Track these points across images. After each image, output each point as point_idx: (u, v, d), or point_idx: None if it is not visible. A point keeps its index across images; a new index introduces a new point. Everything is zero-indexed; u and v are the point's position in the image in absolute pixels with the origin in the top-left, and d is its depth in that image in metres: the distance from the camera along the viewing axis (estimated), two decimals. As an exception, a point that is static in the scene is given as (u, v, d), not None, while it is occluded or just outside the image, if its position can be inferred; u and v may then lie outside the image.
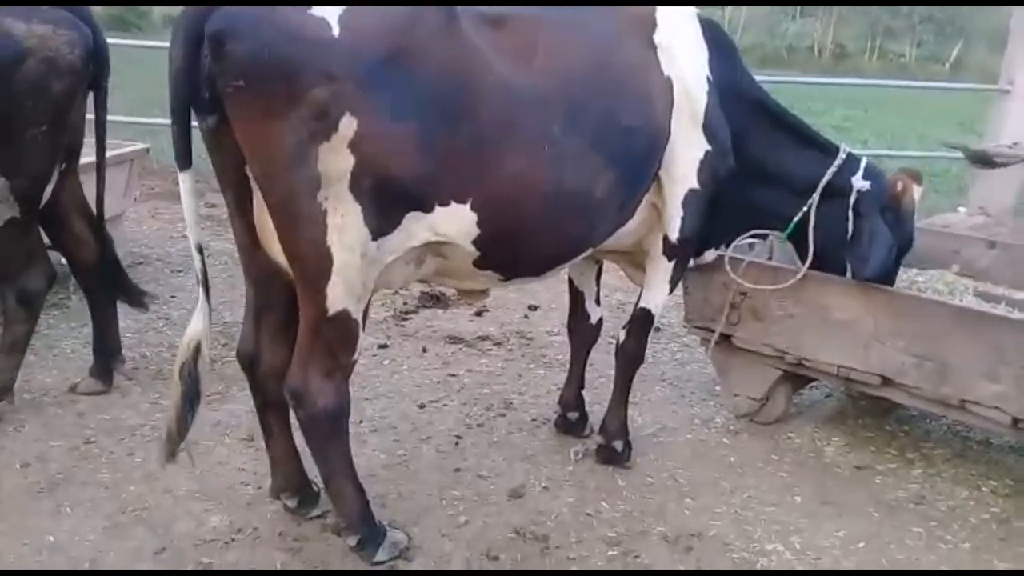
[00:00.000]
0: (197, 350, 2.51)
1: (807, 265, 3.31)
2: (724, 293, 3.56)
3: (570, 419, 3.62)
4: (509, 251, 2.72)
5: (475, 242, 2.60)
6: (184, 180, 2.38)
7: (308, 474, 2.97)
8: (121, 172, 5.16)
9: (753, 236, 3.47)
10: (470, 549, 2.87)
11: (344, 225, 2.33)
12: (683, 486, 3.31)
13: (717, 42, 3.12)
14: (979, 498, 3.30)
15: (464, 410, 3.84)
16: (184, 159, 2.36)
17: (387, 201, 2.38)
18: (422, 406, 3.85)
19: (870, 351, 3.26)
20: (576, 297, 3.54)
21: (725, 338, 3.66)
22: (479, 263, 2.71)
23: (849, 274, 3.34)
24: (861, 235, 3.27)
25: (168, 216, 6.66)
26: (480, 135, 2.46)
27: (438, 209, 2.49)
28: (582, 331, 3.58)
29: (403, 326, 4.82)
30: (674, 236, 3.11)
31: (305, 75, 2.18)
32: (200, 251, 2.45)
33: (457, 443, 3.55)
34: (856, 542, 3.00)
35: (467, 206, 2.52)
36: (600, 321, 3.59)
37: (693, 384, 4.24)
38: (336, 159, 2.26)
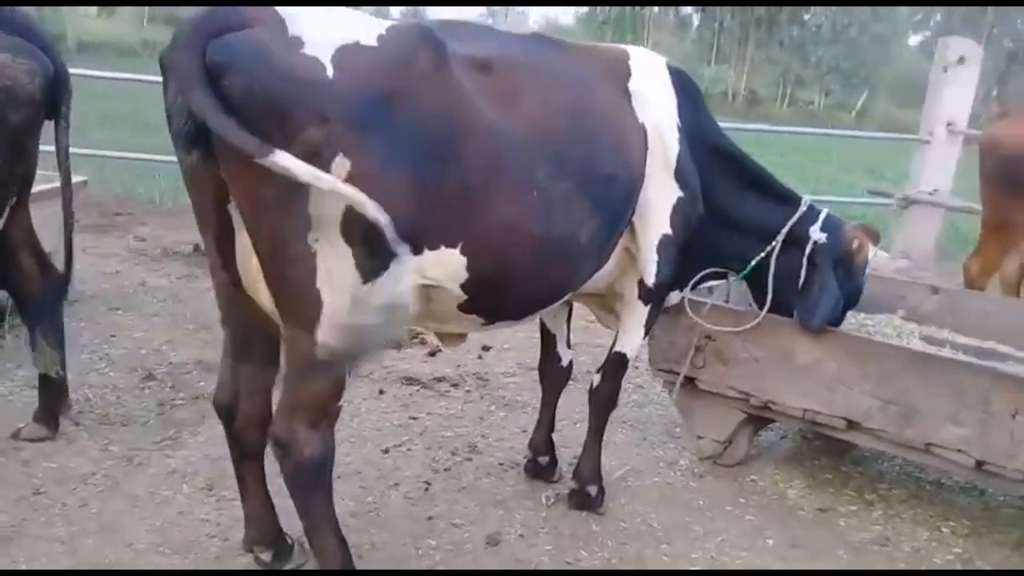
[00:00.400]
0: None
1: (765, 309, 3.38)
2: (689, 336, 3.60)
3: (540, 463, 3.59)
4: (495, 295, 2.70)
5: (463, 286, 2.57)
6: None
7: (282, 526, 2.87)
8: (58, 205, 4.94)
9: (713, 276, 3.54)
10: (451, 601, 2.81)
11: (335, 268, 2.28)
12: (657, 531, 3.31)
13: (684, 89, 3.18)
14: (940, 539, 3.40)
15: (429, 454, 3.78)
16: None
17: (377, 244, 2.33)
18: (386, 451, 3.76)
19: (835, 394, 3.34)
20: (547, 339, 3.54)
21: (689, 381, 3.70)
22: (464, 307, 2.68)
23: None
24: (811, 286, 3.34)
25: (100, 251, 6.43)
26: (470, 179, 2.44)
27: (427, 252, 2.46)
28: (553, 373, 3.57)
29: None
30: (650, 281, 3.14)
31: (299, 115, 2.12)
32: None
33: (427, 489, 3.48)
34: (831, 586, 3.05)
35: (456, 250, 2.49)
36: (571, 364, 3.59)
37: (654, 426, 4.26)
38: (328, 201, 2.19)
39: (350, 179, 2.18)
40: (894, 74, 35.67)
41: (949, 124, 7.80)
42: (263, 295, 2.40)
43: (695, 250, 3.25)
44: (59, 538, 2.95)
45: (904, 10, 37.79)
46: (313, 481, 2.50)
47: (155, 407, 4.02)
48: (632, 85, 3.00)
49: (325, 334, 2.33)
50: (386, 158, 2.25)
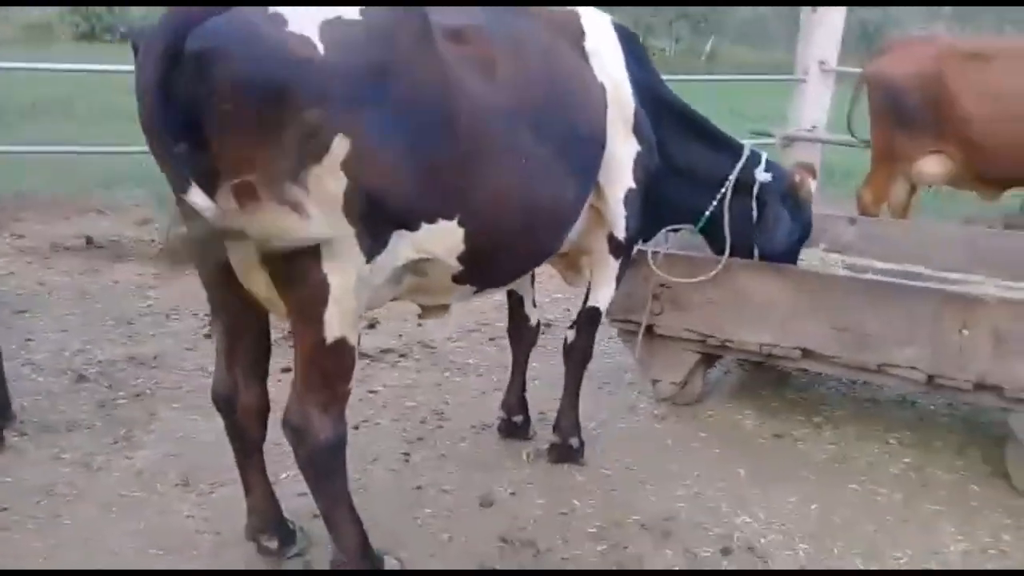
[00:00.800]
0: None
1: (727, 254, 3.52)
2: (646, 286, 3.71)
3: (515, 422, 3.64)
4: (489, 263, 2.72)
5: (459, 257, 2.57)
6: (196, 199, 2.06)
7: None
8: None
9: (669, 231, 3.65)
10: (463, 563, 2.84)
11: (339, 249, 2.23)
12: (638, 474, 3.43)
13: (630, 45, 3.23)
14: (890, 451, 3.67)
15: (399, 426, 3.76)
16: (184, 180, 2.08)
17: (377, 221, 2.30)
18: (355, 427, 3.70)
19: (790, 327, 3.53)
20: (515, 301, 3.56)
21: (646, 328, 3.81)
22: (458, 278, 2.68)
23: (757, 256, 3.60)
24: (766, 221, 3.52)
25: (-16, 253, 5.99)
26: (464, 149, 2.43)
27: (424, 226, 2.44)
28: (522, 334, 3.62)
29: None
30: (620, 235, 3.22)
31: (297, 96, 2.04)
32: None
33: (407, 460, 3.47)
34: (808, 504, 3.24)
35: (454, 222, 2.49)
36: (539, 323, 3.65)
37: (603, 374, 4.36)
38: (328, 181, 2.14)
39: (350, 159, 2.14)
40: (737, 19, 37.00)
41: (821, 63, 8.14)
42: (259, 283, 2.33)
43: (654, 204, 3.33)
44: (40, 553, 2.80)
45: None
46: (329, 465, 2.47)
47: (96, 409, 3.83)
48: (588, 44, 3.04)
49: (333, 317, 2.29)
50: (383, 134, 2.21)
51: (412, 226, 2.41)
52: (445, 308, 3.03)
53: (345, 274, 2.26)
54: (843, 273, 3.76)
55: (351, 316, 2.34)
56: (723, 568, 2.89)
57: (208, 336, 4.69)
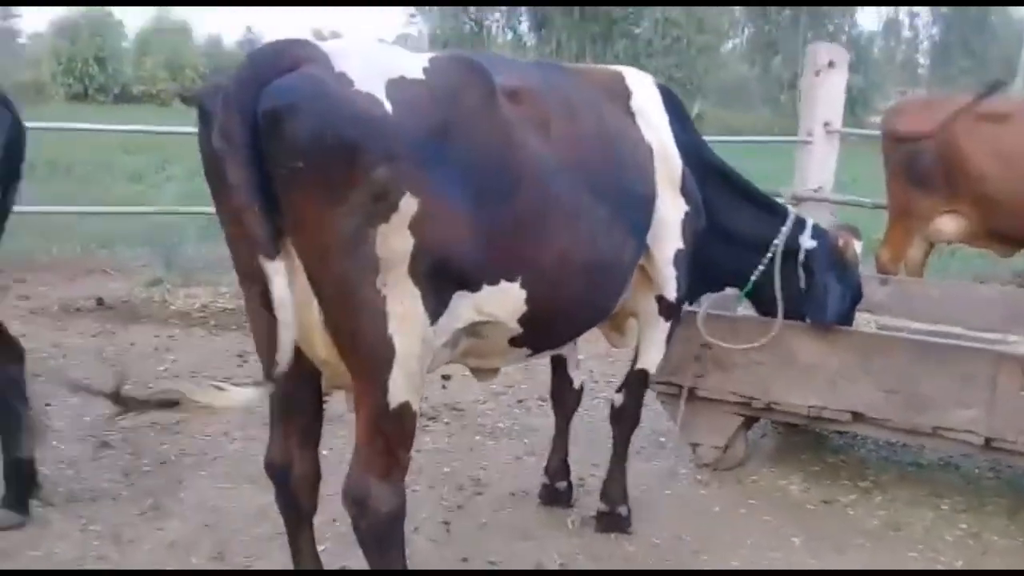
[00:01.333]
0: None
1: (780, 318, 3.46)
2: (687, 347, 3.64)
3: (558, 488, 3.54)
4: (549, 326, 2.68)
5: (520, 320, 2.53)
6: (279, 271, 2.04)
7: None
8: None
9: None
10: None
11: (405, 312, 2.17)
12: (690, 544, 3.32)
13: (673, 107, 3.22)
14: (944, 516, 3.57)
15: (436, 493, 3.64)
16: (272, 243, 2.04)
17: (441, 282, 2.25)
18: (391, 494, 3.60)
19: (838, 389, 3.46)
20: (559, 363, 3.50)
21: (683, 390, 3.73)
22: (516, 340, 2.63)
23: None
24: (815, 289, 3.46)
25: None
26: (526, 209, 2.41)
27: (485, 288, 2.39)
28: (566, 397, 3.54)
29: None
30: (671, 296, 3.16)
31: (367, 155, 2.02)
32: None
33: (448, 530, 3.35)
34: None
35: (516, 284, 2.45)
36: (582, 386, 3.57)
37: (638, 439, 4.23)
38: (396, 241, 2.10)
39: (417, 219, 2.11)
40: (718, 81, 37.75)
41: (826, 124, 8.24)
42: (320, 346, 2.26)
43: (700, 267, 3.27)
44: (77, 635, 2.66)
45: (724, 22, 39.98)
46: (390, 537, 2.38)
47: (121, 477, 3.71)
48: (634, 104, 3.03)
49: (397, 381, 2.22)
50: (449, 194, 2.18)
51: (475, 287, 2.36)
52: (496, 371, 2.97)
53: (410, 336, 2.20)
54: (896, 334, 3.70)
55: (415, 380, 2.28)
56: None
57: (229, 400, 4.58)
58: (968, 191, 5.45)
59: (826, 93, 8.34)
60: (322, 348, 2.25)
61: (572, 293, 2.65)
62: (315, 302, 2.16)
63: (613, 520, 3.35)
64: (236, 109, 1.99)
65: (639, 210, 2.91)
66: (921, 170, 5.60)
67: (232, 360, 5.25)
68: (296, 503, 2.54)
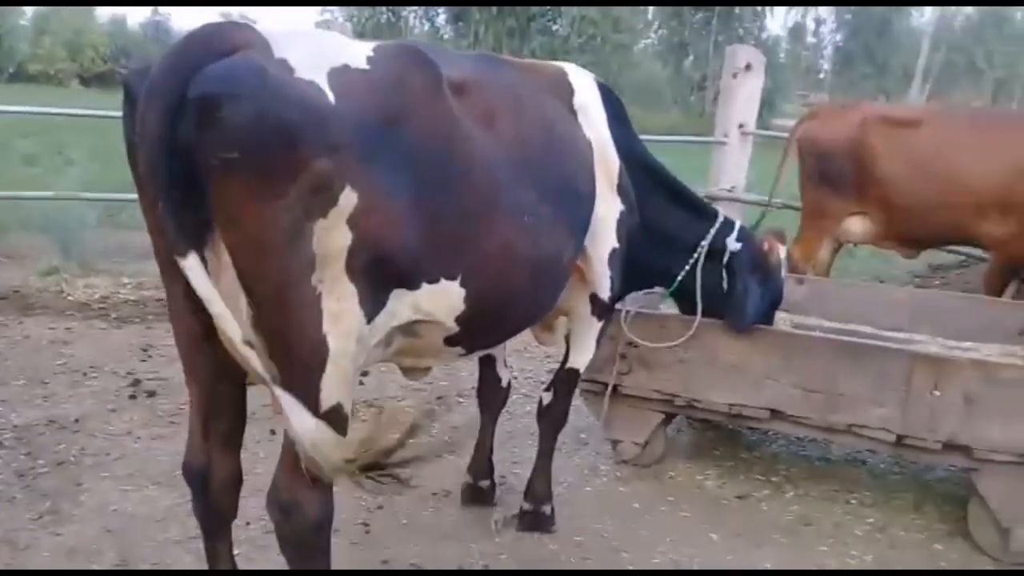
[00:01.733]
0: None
1: (698, 318, 3.48)
2: (612, 345, 3.64)
3: (481, 487, 3.49)
4: (485, 325, 2.59)
5: (458, 319, 2.44)
6: (192, 266, 1.91)
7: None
8: None
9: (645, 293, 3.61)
10: (443, 646, 2.66)
11: (341, 310, 2.07)
12: (611, 541, 3.32)
13: (611, 105, 3.18)
14: (853, 511, 3.66)
15: (354, 492, 3.53)
16: (185, 239, 1.91)
17: (378, 280, 2.15)
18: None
19: (760, 388, 3.50)
20: (486, 361, 3.43)
21: (607, 387, 3.73)
22: (451, 340, 2.54)
23: None
24: (735, 291, 3.47)
25: None
26: (469, 206, 2.32)
27: (424, 286, 2.30)
28: (492, 395, 3.48)
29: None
30: (605, 295, 3.13)
31: (307, 146, 1.90)
32: (251, 345, 2.01)
33: (367, 531, 3.27)
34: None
35: (456, 282, 2.36)
36: (509, 384, 3.52)
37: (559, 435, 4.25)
38: (333, 237, 1.99)
39: (357, 213, 2.01)
40: (633, 79, 38.31)
41: (741, 126, 8.40)
42: (245, 345, 2.13)
43: (630, 266, 3.24)
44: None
45: (639, 21, 40.61)
46: (316, 544, 2.28)
47: (15, 479, 3.50)
48: (576, 102, 2.97)
49: (329, 383, 2.12)
50: (390, 188, 2.08)
51: (413, 285, 2.27)
52: (427, 370, 2.88)
53: (345, 336, 2.10)
54: (816, 334, 3.76)
55: (348, 381, 2.18)
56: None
57: (133, 397, 4.38)
58: (877, 194, 5.63)
59: (743, 95, 8.49)
60: (244, 347, 2.12)
61: (512, 292, 2.58)
62: (242, 298, 2.04)
63: (537, 519, 3.32)
64: (159, 94, 1.85)
65: (580, 208, 2.86)
66: (833, 173, 5.78)
67: (135, 354, 5.03)
68: (215, 508, 2.40)
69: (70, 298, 5.97)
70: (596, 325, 3.20)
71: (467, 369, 4.74)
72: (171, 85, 1.86)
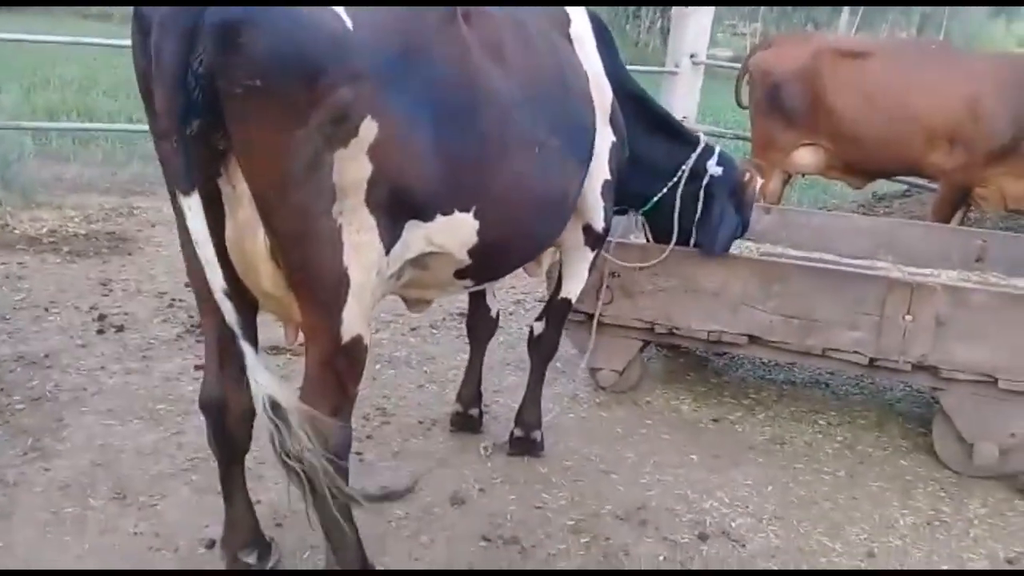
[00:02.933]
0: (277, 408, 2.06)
1: (673, 242, 3.55)
2: (596, 275, 3.68)
3: (470, 415, 3.55)
4: (495, 257, 2.60)
5: (470, 251, 2.45)
6: (192, 206, 1.89)
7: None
8: None
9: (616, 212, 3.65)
10: (449, 565, 2.74)
11: (361, 242, 2.07)
12: (598, 464, 3.42)
13: (602, 35, 3.18)
14: (822, 431, 3.85)
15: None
16: (189, 179, 1.87)
17: (395, 212, 2.15)
18: (295, 427, 3.50)
19: (738, 314, 3.61)
20: (476, 293, 3.45)
21: (589, 317, 3.80)
22: (461, 272, 2.56)
23: (692, 245, 3.66)
24: (711, 215, 3.55)
25: None
26: (484, 136, 2.32)
27: (439, 218, 2.30)
28: (482, 325, 3.52)
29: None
30: (599, 226, 3.16)
31: (330, 74, 1.87)
32: (229, 297, 1.99)
33: (361, 460, 3.30)
34: (764, 486, 3.34)
35: (470, 214, 2.36)
36: (498, 314, 3.55)
37: (534, 364, 4.33)
38: (354, 168, 1.98)
39: (377, 144, 1.99)
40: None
41: (692, 56, 8.42)
42: (265, 278, 2.12)
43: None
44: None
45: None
46: (337, 472, 2.29)
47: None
48: (573, 31, 2.95)
49: (351, 314, 2.13)
50: (409, 119, 2.07)
51: (428, 217, 2.27)
52: (430, 303, 2.90)
53: (365, 267, 2.11)
54: (793, 261, 3.87)
55: (368, 313, 2.20)
56: (702, 552, 2.93)
57: (101, 332, 4.29)
58: (829, 125, 5.75)
59: (693, 25, 8.49)
60: (267, 280, 2.11)
61: (522, 224, 2.60)
62: (260, 231, 2.02)
63: (527, 444, 3.40)
64: (175, 23, 1.79)
65: (584, 140, 2.87)
66: (785, 103, 5.87)
67: (96, 289, 4.89)
68: (231, 439, 2.41)
69: (16, 232, 5.76)
70: (589, 255, 3.24)
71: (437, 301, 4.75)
72: (186, 12, 1.79)
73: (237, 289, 2.13)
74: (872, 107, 5.63)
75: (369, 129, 1.96)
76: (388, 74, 2.00)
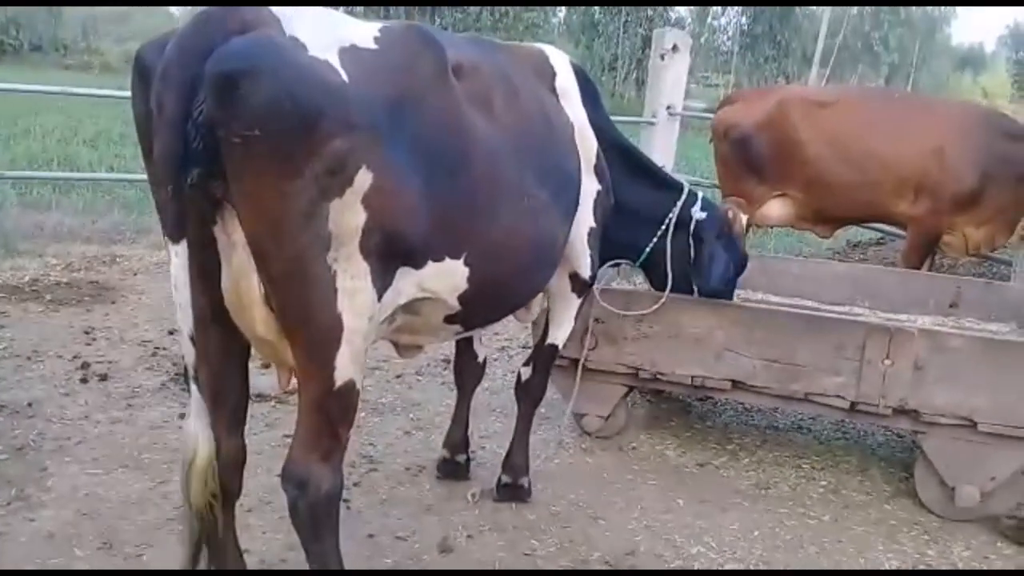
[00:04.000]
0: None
1: (668, 289, 3.61)
2: (580, 322, 3.73)
3: (457, 461, 3.56)
4: (486, 303, 2.66)
5: (460, 297, 2.50)
6: (179, 252, 1.97)
7: (251, 572, 2.60)
8: None
9: (611, 266, 3.72)
10: (440, 615, 2.73)
11: (355, 288, 2.11)
12: (586, 510, 3.43)
13: (586, 86, 3.26)
14: (806, 475, 3.88)
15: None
16: (179, 228, 1.96)
17: (387, 259, 2.19)
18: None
19: (722, 360, 3.66)
20: (463, 339, 3.47)
21: (573, 362, 3.83)
22: (451, 318, 2.61)
23: (696, 293, 3.72)
24: (702, 258, 3.63)
25: None
26: (474, 185, 2.38)
27: (430, 264, 2.36)
28: (469, 371, 3.55)
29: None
30: (585, 273, 3.22)
31: (327, 125, 1.92)
32: (193, 342, 2.05)
33: (348, 507, 3.29)
34: (751, 531, 3.36)
35: (460, 261, 2.42)
36: (485, 360, 3.58)
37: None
38: (349, 216, 2.03)
39: (371, 193, 2.04)
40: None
41: (669, 107, 8.59)
42: (259, 323, 2.16)
43: (602, 242, 3.33)
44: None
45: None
46: (328, 518, 2.31)
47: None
48: (558, 84, 3.05)
49: (344, 359, 2.16)
50: (402, 168, 2.13)
51: (420, 264, 2.32)
52: (421, 348, 2.93)
53: (359, 313, 2.14)
54: (775, 307, 3.94)
55: (360, 358, 2.22)
56: (691, 599, 2.94)
57: (84, 381, 4.27)
58: (798, 174, 5.87)
59: (670, 76, 8.68)
60: (261, 325, 2.15)
61: (512, 271, 2.66)
62: (255, 277, 2.06)
63: (515, 490, 3.41)
64: (176, 73, 1.86)
65: (570, 188, 2.95)
66: (753, 157, 6.01)
67: (79, 337, 4.88)
68: (222, 486, 2.40)
69: (-2, 281, 5.74)
70: (575, 302, 3.29)
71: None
72: (188, 63, 1.86)
73: (226, 335, 2.18)
74: (839, 155, 5.77)
75: (364, 179, 2.01)
76: (382, 125, 2.06)
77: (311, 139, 1.92)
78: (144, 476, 3.43)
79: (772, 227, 6.82)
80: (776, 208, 6.15)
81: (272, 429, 3.88)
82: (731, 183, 6.16)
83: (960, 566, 3.24)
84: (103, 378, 4.32)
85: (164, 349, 4.75)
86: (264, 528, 3.11)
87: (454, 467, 3.56)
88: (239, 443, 2.42)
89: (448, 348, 5.09)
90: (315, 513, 2.27)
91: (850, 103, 6.04)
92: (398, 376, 4.67)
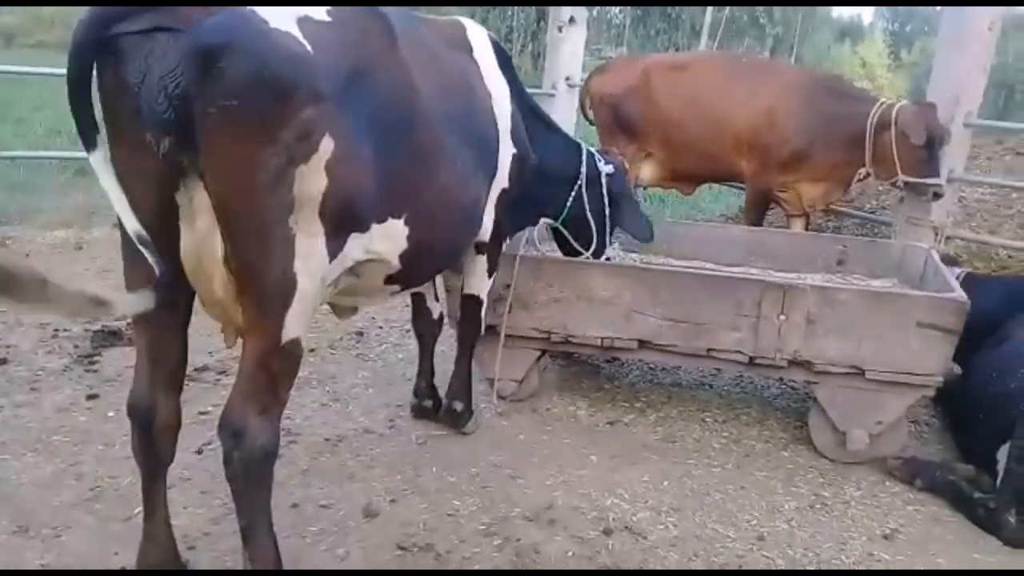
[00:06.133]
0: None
1: (594, 245, 3.87)
2: (494, 288, 3.83)
3: (425, 406, 3.87)
4: (421, 262, 2.79)
5: (400, 257, 2.64)
6: (97, 159, 2.09)
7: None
8: None
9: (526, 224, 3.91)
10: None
11: (311, 250, 2.23)
12: (505, 470, 3.54)
13: (501, 56, 3.42)
14: (710, 428, 4.09)
15: (247, 445, 3.56)
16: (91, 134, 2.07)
17: (340, 222, 2.30)
18: (199, 452, 3.48)
19: (630, 321, 3.82)
20: (417, 297, 3.74)
21: (488, 329, 3.92)
22: (391, 278, 2.76)
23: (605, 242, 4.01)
24: (621, 206, 3.93)
25: None
26: (416, 150, 2.53)
27: (375, 227, 2.48)
28: (426, 327, 3.83)
29: (96, 371, 4.20)
30: (486, 235, 3.39)
31: (299, 94, 2.05)
32: (145, 244, 2.13)
33: (271, 479, 3.31)
34: (660, 482, 3.54)
35: (401, 221, 2.56)
36: (441, 316, 3.82)
37: (441, 379, 4.39)
38: (312, 181, 2.15)
39: (332, 160, 2.16)
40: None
41: (567, 78, 8.73)
42: (218, 283, 2.24)
43: (526, 203, 3.58)
44: None
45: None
46: (261, 473, 2.40)
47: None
48: (476, 55, 3.23)
49: (294, 317, 2.26)
50: (359, 136, 2.25)
51: (365, 227, 2.43)
52: (356, 309, 3.07)
53: (312, 274, 2.26)
54: (679, 269, 4.10)
55: (308, 317, 2.34)
56: (608, 546, 3.08)
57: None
58: (660, 133, 6.28)
59: (568, 48, 8.80)
60: (219, 284, 2.23)
61: (446, 230, 2.85)
62: (217, 239, 2.14)
63: (451, 416, 3.78)
64: (160, 49, 2.00)
65: (490, 151, 3.14)
66: (623, 118, 6.46)
67: (45, 329, 4.68)
68: (155, 449, 2.47)
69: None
70: (480, 258, 3.50)
71: (330, 321, 4.79)
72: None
73: (168, 298, 2.30)
74: (690, 114, 6.17)
75: (327, 146, 2.13)
76: (342, 94, 2.17)
77: (285, 108, 2.03)
78: (55, 458, 3.37)
79: (646, 187, 7.15)
80: (646, 170, 6.59)
81: (187, 406, 3.82)
82: (608, 144, 6.49)
83: (853, 504, 3.49)
84: (3, 362, 4.19)
85: (65, 331, 4.61)
86: (186, 504, 3.11)
87: (424, 411, 3.87)
88: (175, 406, 2.48)
89: (360, 322, 5.15)
90: (248, 466, 2.33)
91: (701, 67, 6.48)
92: (312, 350, 4.66)
